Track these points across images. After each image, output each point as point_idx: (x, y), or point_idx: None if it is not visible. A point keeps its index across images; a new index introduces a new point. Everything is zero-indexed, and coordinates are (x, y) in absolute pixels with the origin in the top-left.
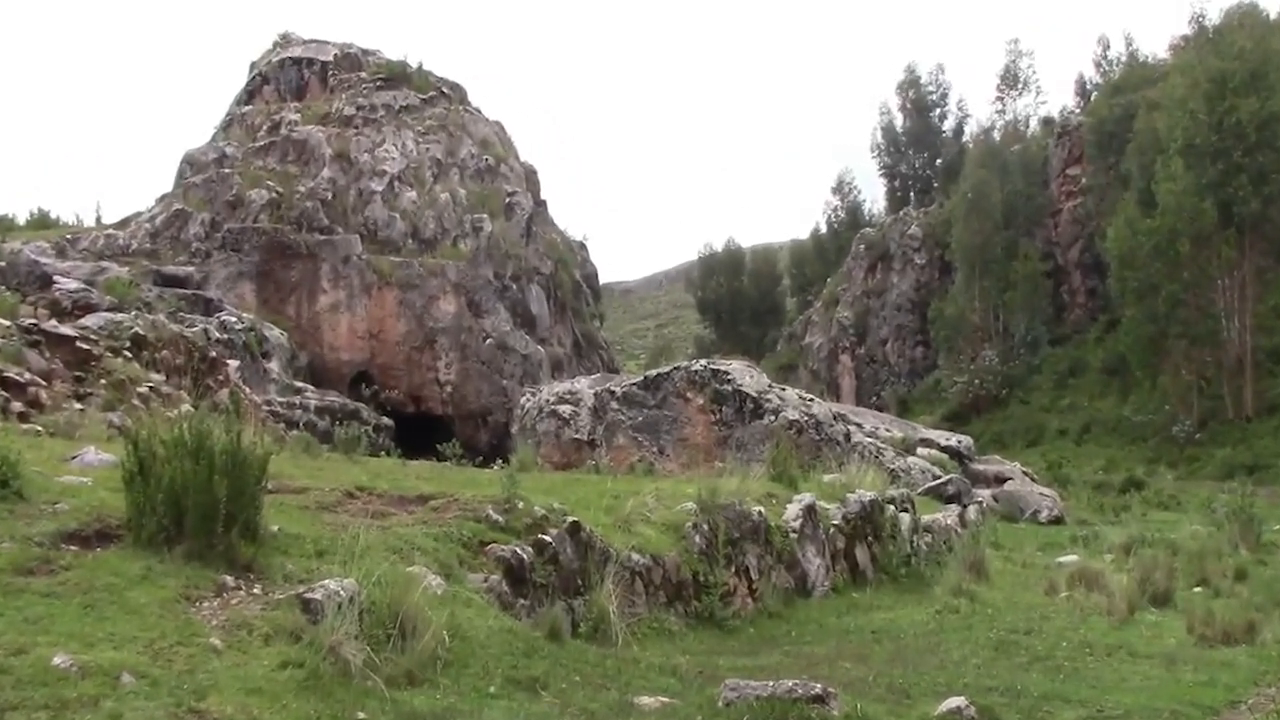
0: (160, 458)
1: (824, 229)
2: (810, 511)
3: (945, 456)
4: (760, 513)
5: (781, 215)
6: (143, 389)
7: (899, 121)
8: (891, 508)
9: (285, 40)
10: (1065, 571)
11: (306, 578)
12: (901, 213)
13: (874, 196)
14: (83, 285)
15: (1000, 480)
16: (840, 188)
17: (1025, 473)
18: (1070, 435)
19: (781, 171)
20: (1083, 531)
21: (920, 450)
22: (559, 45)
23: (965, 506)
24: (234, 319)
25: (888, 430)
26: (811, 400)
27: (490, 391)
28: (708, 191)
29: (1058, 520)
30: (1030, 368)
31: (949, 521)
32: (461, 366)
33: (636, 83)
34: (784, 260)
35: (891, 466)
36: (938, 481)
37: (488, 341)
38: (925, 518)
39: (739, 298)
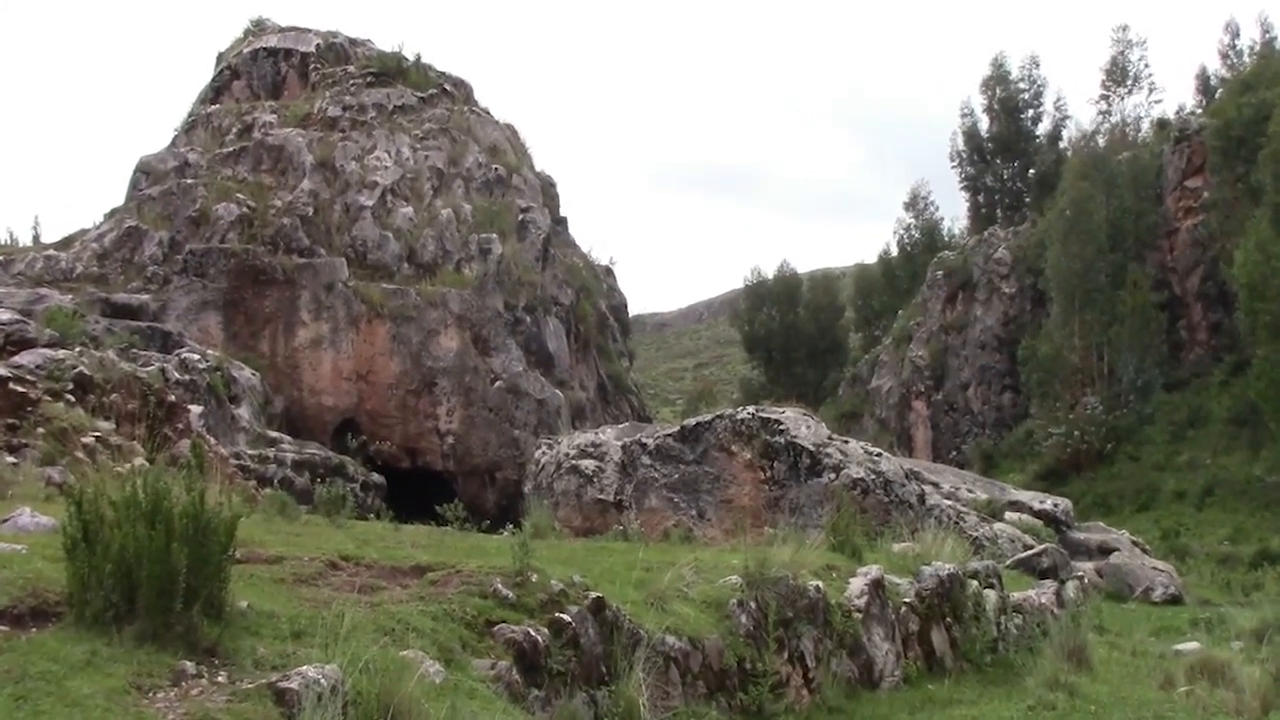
0: (108, 521)
1: (894, 252)
2: (877, 587)
3: (1039, 523)
4: (818, 588)
5: (844, 236)
6: (88, 439)
7: (984, 124)
8: (974, 583)
9: (259, 28)
10: (1184, 661)
11: (281, 663)
12: (987, 233)
13: (954, 213)
14: (17, 316)
15: (1105, 551)
16: (914, 203)
17: (1135, 543)
18: (1189, 498)
19: (844, 183)
20: (1205, 614)
21: (1009, 515)
22: (581, 34)
23: (1063, 582)
24: (197, 357)
25: (970, 491)
26: (879, 455)
27: (499, 443)
28: (756, 208)
29: (1175, 600)
30: (1141, 417)
31: (1043, 600)
32: (465, 414)
33: (675, 82)
34: (847, 289)
35: (974, 534)
36: (1030, 552)
37: (497, 384)
38: (1015, 595)
39: (793, 333)
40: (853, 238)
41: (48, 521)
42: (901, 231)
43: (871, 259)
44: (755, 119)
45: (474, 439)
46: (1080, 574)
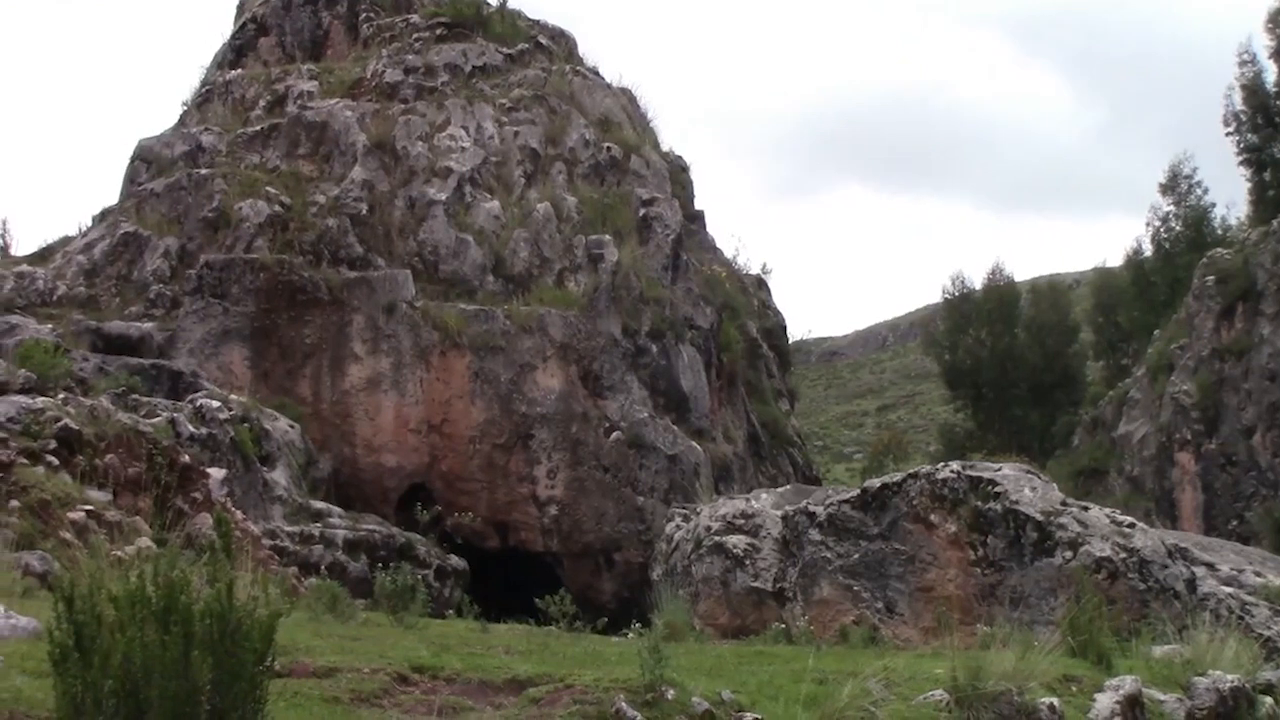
0: (108, 623)
1: (1148, 251)
2: (1134, 706)
3: None
4: (1052, 708)
5: (1077, 230)
6: (77, 514)
7: (1271, 75)
8: (1269, 700)
9: None
10: None
11: None
12: (1276, 222)
13: (1231, 198)
14: None
15: None
16: (1174, 184)
17: None
18: None
19: (1075, 159)
20: None
21: None
22: None
23: None
24: (216, 404)
25: (1258, 574)
26: (1132, 526)
27: (617, 515)
28: (956, 196)
29: None
30: None
31: None
32: (572, 475)
33: (835, 24)
34: (1082, 302)
35: (1265, 633)
36: None
37: (613, 436)
38: None
39: (1010, 363)
40: (1089, 232)
41: (27, 624)
42: (1157, 223)
43: (1116, 261)
44: (949, 73)
45: (584, 509)
46: None
